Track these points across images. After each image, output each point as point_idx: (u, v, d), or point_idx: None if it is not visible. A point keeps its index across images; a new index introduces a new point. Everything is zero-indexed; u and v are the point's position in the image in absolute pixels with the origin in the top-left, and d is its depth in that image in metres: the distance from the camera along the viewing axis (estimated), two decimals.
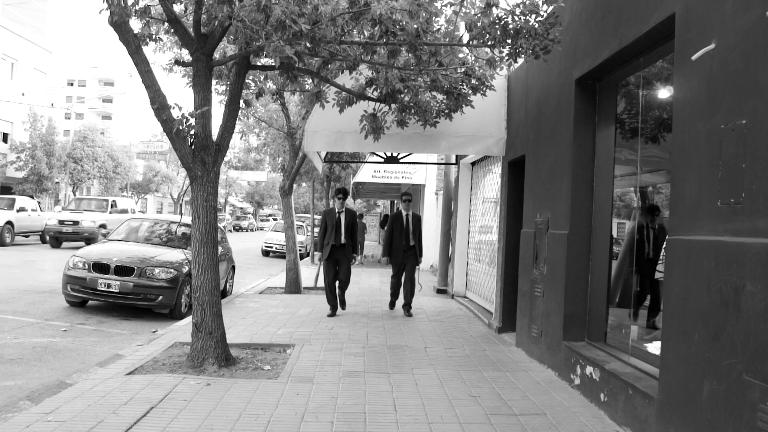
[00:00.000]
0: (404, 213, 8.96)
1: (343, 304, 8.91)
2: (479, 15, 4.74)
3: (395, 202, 33.71)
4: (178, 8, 5.68)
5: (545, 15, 4.83)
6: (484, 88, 6.01)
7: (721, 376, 3.01)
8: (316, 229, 17.40)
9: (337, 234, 8.52)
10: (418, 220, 9.07)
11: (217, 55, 6.55)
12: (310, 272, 14.15)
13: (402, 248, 8.87)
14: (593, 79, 5.29)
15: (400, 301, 9.17)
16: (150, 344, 6.26)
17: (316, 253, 9.61)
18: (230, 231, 47.73)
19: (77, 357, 6.10)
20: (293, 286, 11.55)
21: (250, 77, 8.34)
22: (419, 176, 17.59)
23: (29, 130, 31.13)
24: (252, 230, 55.28)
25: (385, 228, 9.06)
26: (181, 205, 52.81)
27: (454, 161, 11.79)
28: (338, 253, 8.57)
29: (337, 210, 8.62)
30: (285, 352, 6.10)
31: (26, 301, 9.19)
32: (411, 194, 9.37)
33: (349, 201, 35.91)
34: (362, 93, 6.08)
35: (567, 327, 5.32)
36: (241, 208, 73.11)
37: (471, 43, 5.07)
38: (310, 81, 7.79)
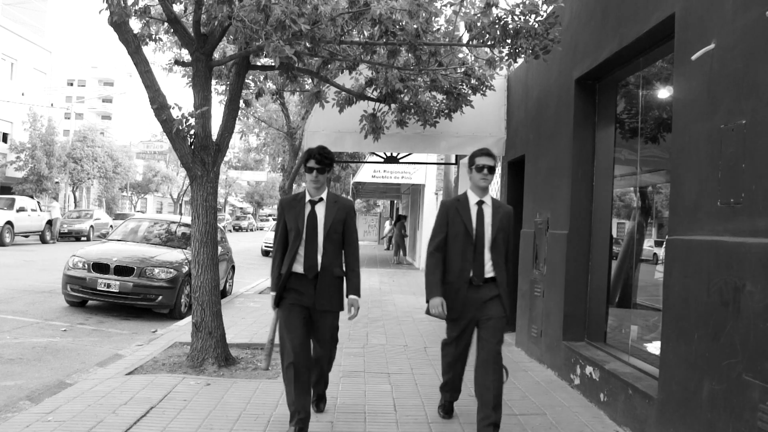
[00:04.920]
0: (473, 201, 3.95)
1: (321, 401, 4.27)
2: (479, 15, 4.74)
3: (395, 201, 33.47)
4: (177, 8, 5.68)
5: (545, 15, 4.83)
6: (484, 88, 6.01)
7: (721, 376, 3.01)
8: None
9: (310, 249, 3.82)
10: (505, 218, 3.99)
11: (216, 55, 6.55)
12: None
13: (467, 281, 3.89)
14: (593, 79, 5.29)
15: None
16: (150, 344, 6.26)
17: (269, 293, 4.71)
18: (230, 231, 47.72)
19: (77, 357, 6.10)
20: None
21: (250, 77, 8.34)
22: (419, 176, 17.60)
23: (29, 130, 31.09)
24: (252, 230, 55.25)
25: (433, 236, 4.05)
26: (180, 205, 52.82)
27: (454, 161, 11.79)
28: (310, 292, 3.81)
29: (309, 198, 3.89)
30: None
31: (26, 301, 9.18)
32: (492, 155, 3.97)
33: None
34: (362, 93, 6.08)
35: (567, 327, 5.32)
36: (241, 208, 73.13)
37: (471, 43, 5.07)
38: (310, 81, 7.79)
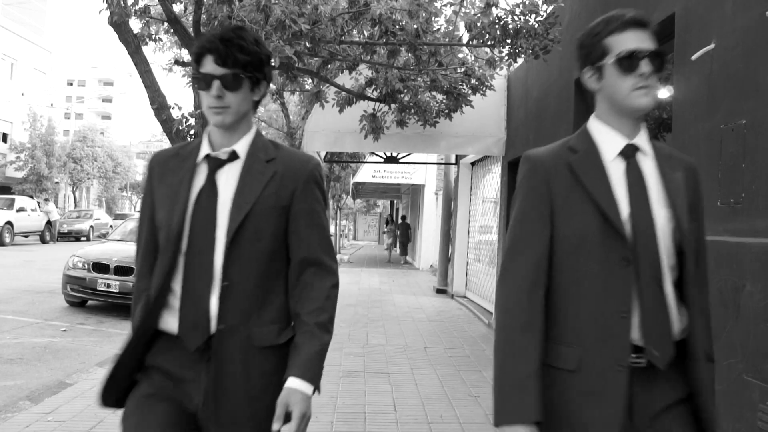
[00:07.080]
0: (614, 147, 1.52)
1: None
2: (479, 15, 4.74)
3: (395, 201, 33.48)
4: (177, 8, 5.69)
5: (545, 15, 4.83)
6: (484, 88, 6.01)
7: (721, 376, 3.01)
8: None
9: (196, 276, 1.51)
10: (691, 182, 1.53)
11: None
12: None
13: (626, 362, 1.33)
14: None
15: None
16: None
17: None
18: None
19: (77, 357, 6.09)
20: None
21: None
22: (419, 176, 17.61)
23: (29, 130, 31.13)
24: None
25: (511, 251, 1.45)
26: None
27: (453, 161, 11.79)
28: (196, 381, 1.49)
29: (207, 152, 1.54)
30: None
31: (26, 301, 9.18)
32: (647, 24, 1.48)
33: (348, 201, 34.67)
34: (362, 93, 6.08)
35: None
36: None
37: (471, 43, 5.07)
38: (310, 81, 7.79)
